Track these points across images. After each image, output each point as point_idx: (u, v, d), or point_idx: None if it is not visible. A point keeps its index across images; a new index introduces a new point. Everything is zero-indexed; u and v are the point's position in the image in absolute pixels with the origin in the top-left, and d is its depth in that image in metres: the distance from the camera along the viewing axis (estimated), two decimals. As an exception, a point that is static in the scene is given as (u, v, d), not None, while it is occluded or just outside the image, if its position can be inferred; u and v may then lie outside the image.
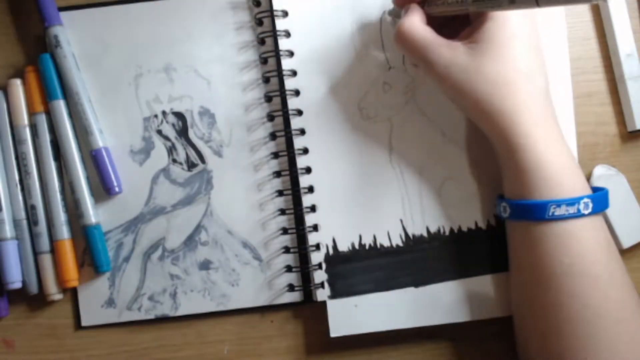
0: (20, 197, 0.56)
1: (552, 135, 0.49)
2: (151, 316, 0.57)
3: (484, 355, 0.58)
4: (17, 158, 0.56)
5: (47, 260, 0.56)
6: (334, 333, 0.56)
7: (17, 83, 0.56)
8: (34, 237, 0.56)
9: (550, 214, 0.47)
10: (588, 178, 0.57)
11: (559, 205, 0.47)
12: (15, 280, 0.55)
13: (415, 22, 0.50)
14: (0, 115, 0.56)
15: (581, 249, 0.48)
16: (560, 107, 0.56)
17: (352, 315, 0.56)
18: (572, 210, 0.47)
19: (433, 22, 0.51)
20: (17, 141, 0.56)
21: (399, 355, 0.58)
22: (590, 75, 0.58)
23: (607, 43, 0.58)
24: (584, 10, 0.59)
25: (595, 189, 0.50)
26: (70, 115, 0.56)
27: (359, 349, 0.58)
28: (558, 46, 0.57)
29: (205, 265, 0.57)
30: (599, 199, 0.49)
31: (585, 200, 0.47)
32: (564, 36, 0.57)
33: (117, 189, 0.56)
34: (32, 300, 0.57)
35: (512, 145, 0.49)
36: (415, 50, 0.50)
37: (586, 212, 0.47)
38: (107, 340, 0.58)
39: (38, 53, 0.56)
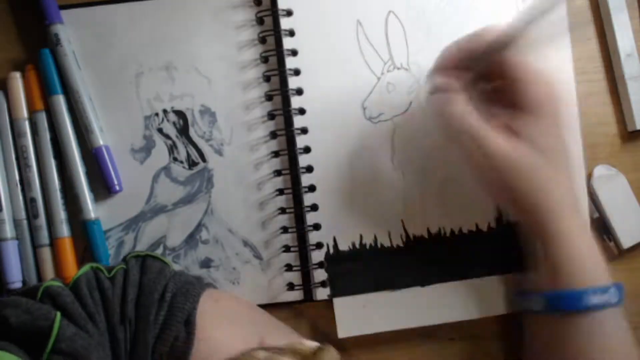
0: (21, 197, 0.55)
1: (581, 226, 0.49)
2: (152, 314, 0.57)
3: (484, 355, 0.59)
4: (17, 157, 0.56)
5: (46, 254, 0.55)
6: (342, 334, 0.56)
7: (17, 76, 0.55)
8: (33, 230, 0.55)
9: (586, 303, 0.47)
10: (588, 178, 0.58)
11: (595, 293, 0.47)
12: (15, 280, 0.55)
13: (465, 107, 0.49)
14: (0, 114, 0.56)
15: (609, 344, 0.48)
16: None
17: (359, 316, 0.56)
18: (605, 298, 0.47)
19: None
20: (16, 134, 0.55)
21: (400, 355, 0.58)
22: (590, 75, 0.58)
23: (607, 43, 0.58)
24: (584, 10, 0.59)
25: None
26: (70, 112, 0.55)
27: (360, 349, 0.58)
28: (561, 47, 0.57)
29: (205, 264, 0.57)
30: (621, 289, 0.49)
31: (613, 289, 0.48)
32: (566, 37, 0.57)
33: (117, 187, 0.55)
34: (32, 299, 0.57)
35: (549, 239, 0.49)
36: (462, 137, 0.49)
37: (614, 300, 0.48)
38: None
39: (38, 51, 0.55)
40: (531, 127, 0.48)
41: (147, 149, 0.57)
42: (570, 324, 0.48)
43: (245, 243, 0.57)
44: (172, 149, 0.57)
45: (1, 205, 0.55)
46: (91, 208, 0.55)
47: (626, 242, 0.57)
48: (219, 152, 0.57)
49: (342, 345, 0.57)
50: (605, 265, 0.49)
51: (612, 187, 0.57)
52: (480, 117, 0.49)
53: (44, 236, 0.56)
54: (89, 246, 0.56)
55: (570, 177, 0.50)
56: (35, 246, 0.56)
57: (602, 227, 0.58)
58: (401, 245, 0.57)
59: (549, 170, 0.48)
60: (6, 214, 0.55)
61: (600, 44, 0.59)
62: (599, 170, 0.58)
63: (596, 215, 0.58)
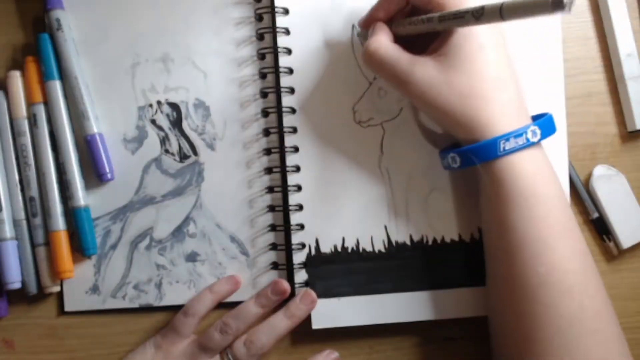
0: (20, 198, 0.56)
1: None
2: (135, 305, 0.56)
3: (484, 355, 0.57)
4: (17, 157, 0.56)
5: (44, 252, 0.56)
6: (315, 325, 0.56)
7: (17, 75, 0.56)
8: (32, 229, 0.56)
9: (501, 149, 0.46)
10: (588, 178, 0.57)
11: (507, 140, 0.46)
12: (14, 280, 0.55)
13: (382, 41, 0.50)
14: (0, 114, 0.56)
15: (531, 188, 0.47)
16: (552, 109, 0.55)
17: (334, 309, 0.56)
18: (521, 141, 0.46)
19: (400, 39, 0.51)
20: (16, 133, 0.56)
21: (400, 355, 0.58)
22: (590, 75, 0.58)
23: (607, 43, 0.58)
24: (584, 10, 0.59)
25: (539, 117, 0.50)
26: (66, 97, 0.56)
27: (360, 349, 0.58)
28: (552, 47, 0.56)
29: (192, 257, 0.56)
30: (545, 124, 0.48)
31: (532, 127, 0.47)
32: (558, 37, 0.57)
33: (109, 176, 0.56)
34: (32, 300, 0.57)
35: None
36: (383, 70, 0.50)
37: (535, 139, 0.47)
38: (108, 340, 0.57)
39: (37, 35, 0.56)
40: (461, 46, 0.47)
41: (139, 139, 0.57)
42: (488, 174, 0.48)
43: (233, 239, 0.57)
44: (164, 140, 0.57)
45: (1, 205, 0.55)
46: (81, 195, 0.55)
47: (626, 242, 0.56)
48: (211, 147, 0.57)
49: (325, 336, 0.56)
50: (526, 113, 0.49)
51: (612, 187, 0.56)
52: (404, 50, 0.49)
53: (42, 235, 0.56)
54: (76, 234, 0.56)
55: (513, 95, 0.49)
56: (34, 245, 0.56)
57: (602, 227, 0.57)
58: (383, 250, 0.56)
59: (480, 86, 0.47)
60: (6, 214, 0.55)
61: (600, 44, 0.58)
62: (599, 170, 0.57)
63: (596, 215, 0.57)
